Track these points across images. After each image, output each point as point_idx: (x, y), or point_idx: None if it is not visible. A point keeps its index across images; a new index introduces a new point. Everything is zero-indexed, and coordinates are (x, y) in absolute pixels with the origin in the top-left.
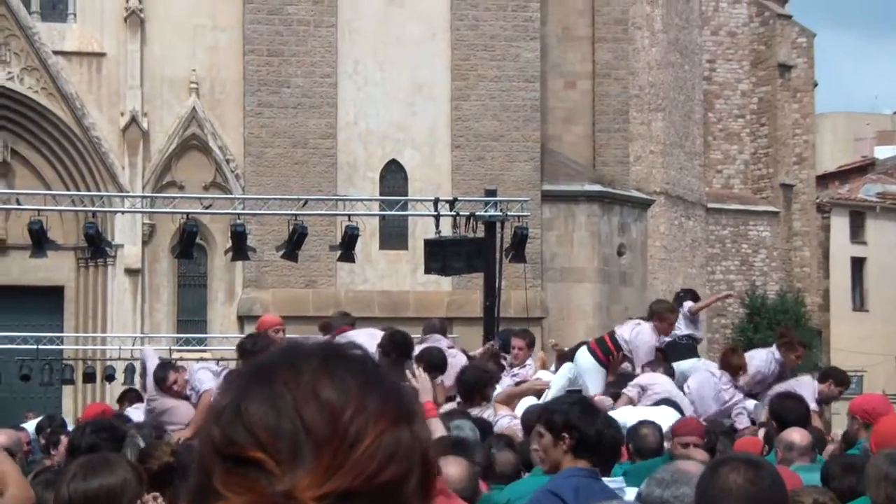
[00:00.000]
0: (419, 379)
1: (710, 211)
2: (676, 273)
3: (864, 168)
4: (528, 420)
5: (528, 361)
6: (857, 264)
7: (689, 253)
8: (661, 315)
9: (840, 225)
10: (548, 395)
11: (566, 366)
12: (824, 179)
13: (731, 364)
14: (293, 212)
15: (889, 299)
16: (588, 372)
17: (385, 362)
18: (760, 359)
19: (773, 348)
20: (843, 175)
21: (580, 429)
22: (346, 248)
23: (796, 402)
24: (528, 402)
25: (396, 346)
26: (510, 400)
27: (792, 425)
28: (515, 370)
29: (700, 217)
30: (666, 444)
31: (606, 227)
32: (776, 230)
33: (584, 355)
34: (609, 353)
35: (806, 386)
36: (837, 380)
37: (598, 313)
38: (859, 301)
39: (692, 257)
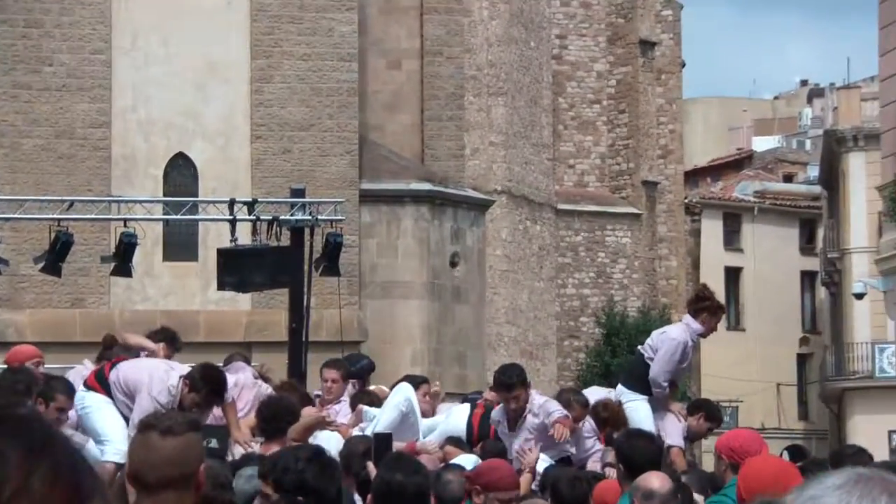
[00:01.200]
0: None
1: (560, 213)
2: (521, 287)
3: (740, 162)
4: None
5: (343, 397)
6: (732, 275)
7: (535, 263)
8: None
9: (712, 229)
10: (371, 428)
11: (400, 394)
12: (694, 176)
13: (600, 417)
14: (56, 216)
15: (769, 316)
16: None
17: (192, 398)
18: (674, 335)
19: (687, 318)
20: (716, 171)
21: (320, 491)
22: (122, 259)
23: (646, 440)
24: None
25: (209, 381)
26: (304, 436)
27: (641, 469)
28: (330, 407)
29: (549, 220)
30: None
31: (437, 234)
32: (638, 236)
33: (462, 414)
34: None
35: (671, 421)
36: (708, 413)
37: (428, 336)
38: (734, 319)
39: (539, 268)
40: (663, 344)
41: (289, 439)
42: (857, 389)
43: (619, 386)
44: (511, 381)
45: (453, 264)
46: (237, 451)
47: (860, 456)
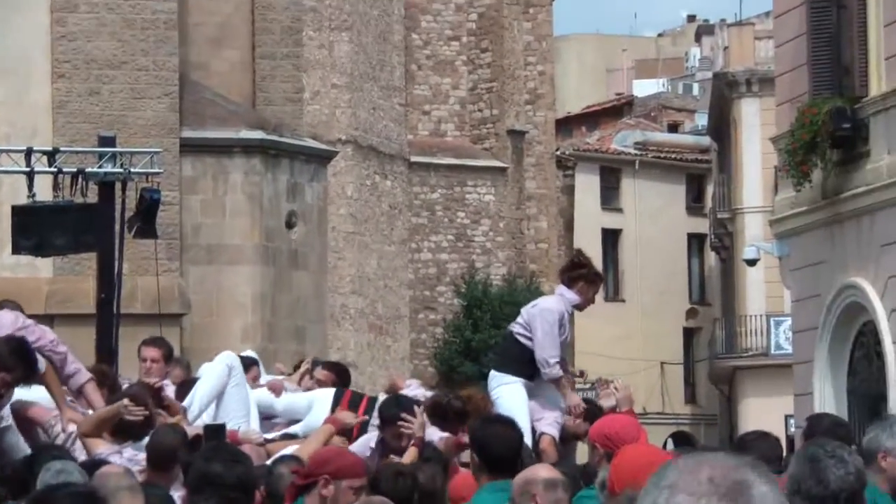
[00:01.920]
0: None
1: (414, 167)
2: (369, 252)
3: (619, 109)
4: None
5: (166, 380)
6: (610, 238)
7: (385, 224)
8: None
9: (587, 185)
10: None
11: (219, 360)
12: (566, 125)
13: (451, 411)
14: None
15: (652, 285)
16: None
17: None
18: (549, 305)
19: (561, 289)
20: (592, 119)
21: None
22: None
23: (504, 427)
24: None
25: (20, 355)
26: (98, 429)
27: (498, 460)
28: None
29: (401, 175)
30: None
31: (271, 190)
32: (503, 193)
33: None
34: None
35: (549, 406)
36: (588, 413)
37: (260, 307)
38: (612, 288)
39: (390, 230)
40: (537, 317)
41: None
42: (750, 368)
43: (492, 372)
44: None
45: (290, 225)
46: (58, 431)
47: (764, 442)
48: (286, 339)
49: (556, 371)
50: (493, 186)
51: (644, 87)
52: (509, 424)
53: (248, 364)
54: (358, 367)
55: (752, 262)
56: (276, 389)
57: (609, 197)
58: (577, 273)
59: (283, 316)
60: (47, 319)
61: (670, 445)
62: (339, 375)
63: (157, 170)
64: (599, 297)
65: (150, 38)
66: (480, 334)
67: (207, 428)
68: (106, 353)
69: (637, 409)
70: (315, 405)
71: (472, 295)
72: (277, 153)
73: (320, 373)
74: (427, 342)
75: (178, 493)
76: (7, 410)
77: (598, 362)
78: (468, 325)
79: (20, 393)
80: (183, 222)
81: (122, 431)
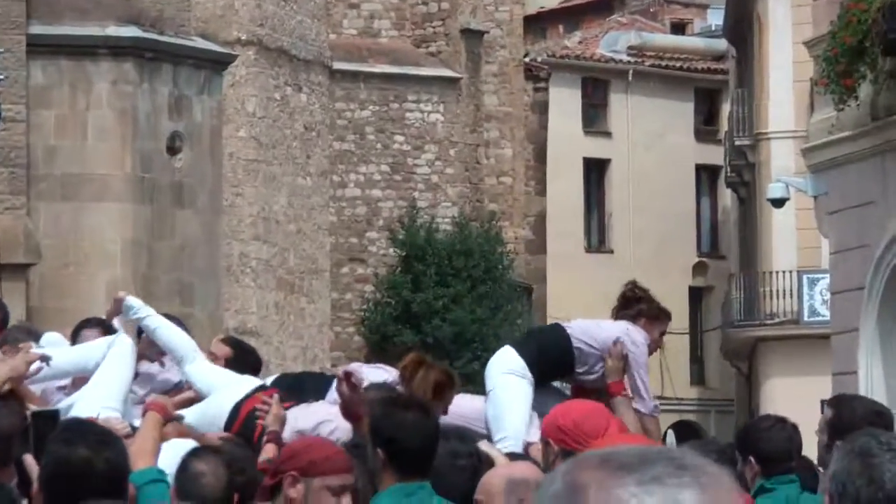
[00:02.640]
0: None
1: (337, 76)
2: (277, 186)
3: (609, 3)
4: None
5: None
6: (595, 170)
7: (299, 150)
8: None
9: (565, 102)
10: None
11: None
12: (538, 22)
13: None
14: None
15: (648, 232)
16: None
17: None
18: (638, 340)
19: (626, 325)
20: (573, 15)
21: None
22: None
23: (419, 413)
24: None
25: None
26: None
27: (415, 454)
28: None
29: (321, 87)
30: None
31: (148, 104)
32: (454, 111)
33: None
34: None
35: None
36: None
37: (133, 257)
38: (597, 235)
39: (306, 158)
40: (638, 355)
41: None
42: (777, 340)
43: (507, 352)
44: None
45: (173, 150)
46: None
47: (780, 431)
48: (167, 297)
49: (655, 411)
50: (441, 103)
51: None
52: (422, 410)
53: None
54: (262, 335)
55: (779, 203)
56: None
57: (593, 117)
58: (636, 310)
59: (164, 268)
60: None
61: (671, 439)
62: (242, 356)
63: None
64: (580, 247)
65: None
66: (423, 294)
67: (37, 416)
68: None
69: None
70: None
71: (412, 243)
72: (156, 56)
73: (217, 345)
74: (353, 304)
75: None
76: None
77: None
78: (407, 283)
79: None
80: (31, 145)
81: None
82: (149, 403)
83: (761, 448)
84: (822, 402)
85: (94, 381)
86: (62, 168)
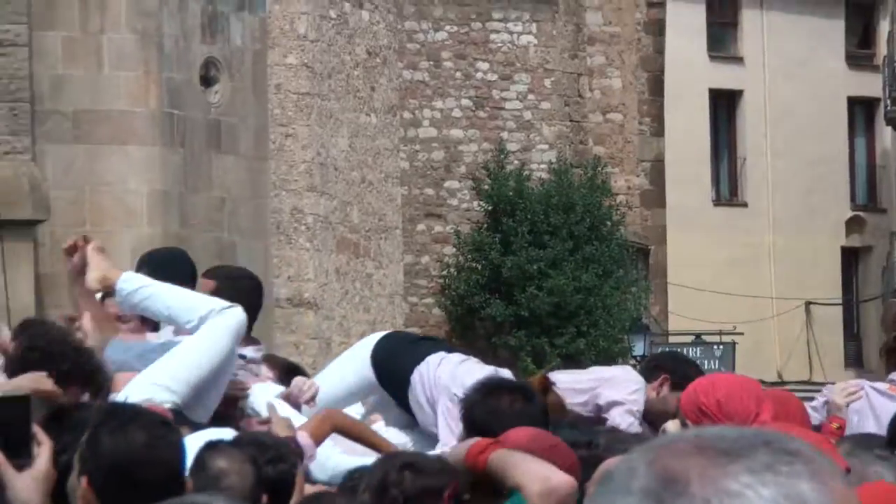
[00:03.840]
0: None
1: None
2: (335, 123)
3: None
4: None
5: None
6: (724, 105)
7: (362, 82)
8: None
9: (687, 22)
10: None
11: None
12: None
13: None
14: None
15: (791, 180)
16: None
17: None
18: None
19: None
20: None
21: None
22: None
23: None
24: None
25: None
26: None
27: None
28: None
29: (387, 2)
30: None
31: (176, 24)
32: (549, 31)
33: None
34: None
35: (620, 384)
36: (678, 374)
37: (162, 211)
38: (727, 184)
39: (370, 91)
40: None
41: None
42: None
43: None
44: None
45: (207, 81)
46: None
47: None
48: (204, 261)
49: None
50: (533, 21)
51: None
52: (523, 394)
53: None
54: (321, 306)
55: None
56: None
57: (721, 39)
58: None
59: (200, 226)
60: None
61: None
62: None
63: None
64: (706, 198)
65: None
66: (514, 257)
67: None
68: None
69: (768, 374)
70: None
71: (500, 195)
72: None
73: (202, 284)
74: (431, 269)
75: None
76: None
77: (701, 300)
78: (495, 243)
79: None
80: (35, 75)
81: None
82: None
83: None
84: None
85: (172, 354)
86: (73, 103)
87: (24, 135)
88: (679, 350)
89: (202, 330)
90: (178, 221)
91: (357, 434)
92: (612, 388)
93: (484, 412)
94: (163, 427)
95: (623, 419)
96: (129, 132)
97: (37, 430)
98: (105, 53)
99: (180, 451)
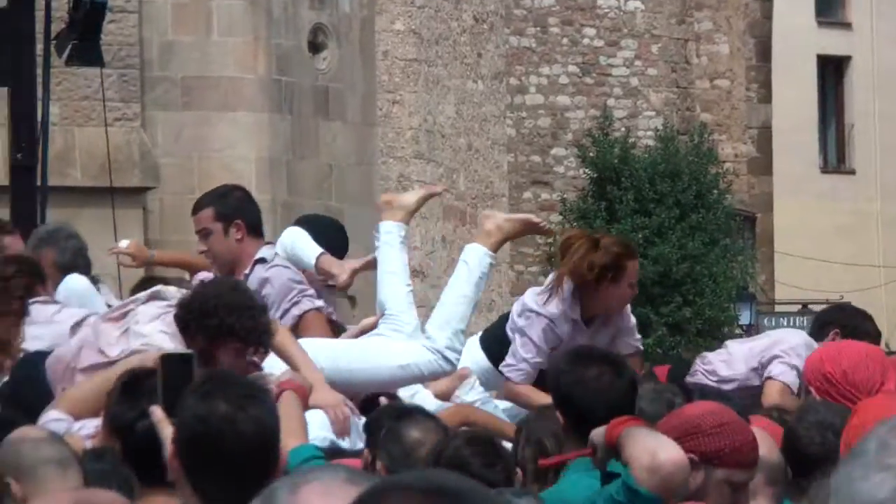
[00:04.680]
0: None
1: None
2: (442, 90)
3: None
4: None
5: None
6: (832, 71)
7: (469, 48)
8: None
9: None
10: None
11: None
12: None
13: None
14: None
15: None
16: None
17: None
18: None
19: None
20: None
21: None
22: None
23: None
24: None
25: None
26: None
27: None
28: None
29: None
30: None
31: None
32: None
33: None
34: None
35: (783, 341)
36: (849, 326)
37: (270, 178)
38: (835, 151)
39: (477, 57)
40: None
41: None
42: None
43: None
44: None
45: (315, 47)
46: None
47: None
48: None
49: None
50: None
51: None
52: (612, 364)
53: None
54: (428, 275)
55: None
56: None
57: (829, 5)
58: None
59: (307, 193)
60: None
61: None
62: None
63: None
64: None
65: None
66: (620, 225)
67: (167, 359)
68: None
69: (880, 344)
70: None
71: (605, 162)
72: None
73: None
74: (538, 237)
75: None
76: None
77: (808, 268)
78: (600, 211)
79: None
80: (145, 41)
81: None
82: (283, 384)
83: None
84: None
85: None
86: (182, 70)
87: (134, 102)
88: (786, 319)
89: (400, 344)
90: (286, 188)
91: (487, 427)
92: (775, 346)
93: (570, 381)
94: (247, 399)
95: (779, 370)
96: (238, 99)
97: None
98: (214, 19)
99: (265, 424)
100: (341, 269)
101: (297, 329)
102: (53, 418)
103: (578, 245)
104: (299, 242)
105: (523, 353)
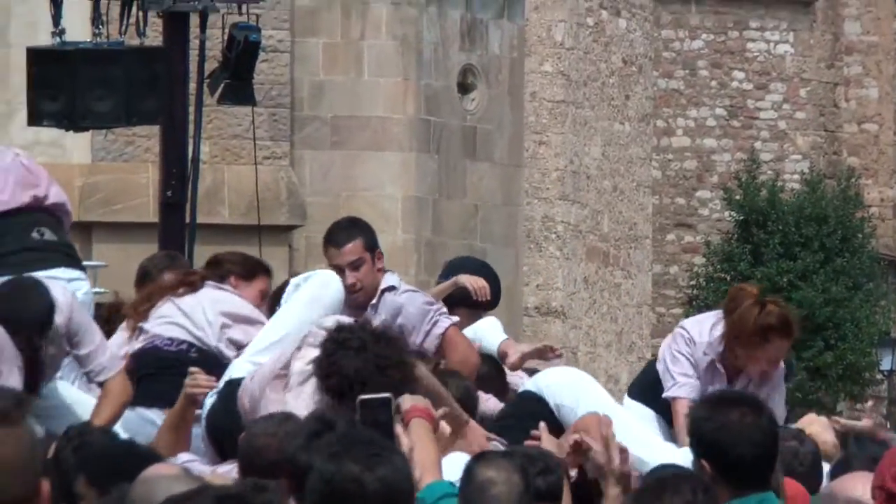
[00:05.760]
0: None
1: None
2: (589, 131)
3: None
4: None
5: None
6: None
7: (617, 90)
8: None
9: None
10: None
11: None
12: None
13: None
14: None
15: None
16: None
17: None
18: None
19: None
20: None
21: None
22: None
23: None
24: None
25: None
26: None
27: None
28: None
29: (643, 10)
30: None
31: (435, 31)
32: (806, 41)
33: None
34: None
35: None
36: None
37: (417, 218)
38: None
39: (624, 99)
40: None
41: None
42: None
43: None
44: None
45: (465, 88)
46: None
47: None
48: None
49: None
50: (790, 31)
51: None
52: (752, 407)
53: None
54: (569, 316)
55: None
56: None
57: None
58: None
59: (452, 233)
60: (82, 229)
61: None
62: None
63: None
64: None
65: None
66: (764, 268)
67: (365, 404)
68: None
69: None
70: None
71: (752, 205)
72: None
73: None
74: (680, 279)
75: None
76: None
77: None
78: (745, 254)
79: None
80: (296, 81)
81: None
82: (411, 412)
83: None
84: None
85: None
86: (332, 109)
87: (284, 140)
88: None
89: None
90: (431, 227)
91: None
92: None
93: (714, 428)
94: (375, 458)
95: None
96: (386, 138)
97: (399, 430)
98: (365, 60)
99: (392, 483)
100: (515, 352)
101: (442, 347)
102: (187, 459)
103: (746, 297)
104: (491, 330)
105: (679, 370)
